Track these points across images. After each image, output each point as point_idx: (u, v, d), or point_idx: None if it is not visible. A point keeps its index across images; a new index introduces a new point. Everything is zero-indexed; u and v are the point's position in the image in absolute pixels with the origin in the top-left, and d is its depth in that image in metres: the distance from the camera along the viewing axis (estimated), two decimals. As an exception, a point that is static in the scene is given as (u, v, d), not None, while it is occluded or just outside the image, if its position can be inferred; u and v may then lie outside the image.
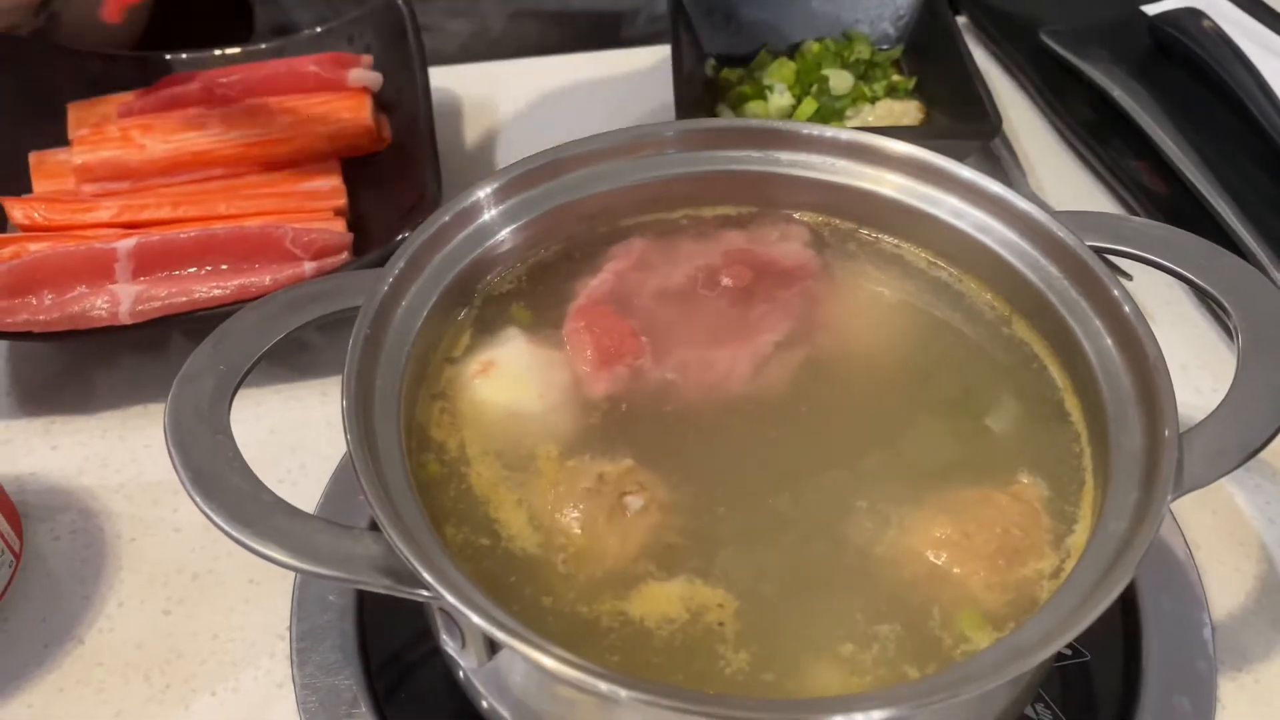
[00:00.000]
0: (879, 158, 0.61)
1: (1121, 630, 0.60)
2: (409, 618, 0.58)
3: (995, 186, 0.57)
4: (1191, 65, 0.94)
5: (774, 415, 0.55)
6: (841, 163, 0.61)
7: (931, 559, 0.48)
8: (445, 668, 0.55)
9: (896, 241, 0.62)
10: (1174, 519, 0.65)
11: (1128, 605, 0.60)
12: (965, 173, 0.58)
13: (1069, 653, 0.58)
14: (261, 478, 0.47)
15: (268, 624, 0.63)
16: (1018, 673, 0.39)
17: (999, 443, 0.53)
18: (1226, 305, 0.53)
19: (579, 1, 1.16)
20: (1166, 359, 0.49)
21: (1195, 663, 0.58)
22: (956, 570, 0.48)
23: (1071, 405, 0.54)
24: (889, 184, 0.61)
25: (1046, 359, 0.56)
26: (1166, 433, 0.46)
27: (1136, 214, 0.86)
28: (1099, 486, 0.50)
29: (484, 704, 0.53)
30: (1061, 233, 0.55)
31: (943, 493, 0.50)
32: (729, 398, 0.55)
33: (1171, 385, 0.48)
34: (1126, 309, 0.51)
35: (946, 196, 0.59)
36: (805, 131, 0.61)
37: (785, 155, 0.62)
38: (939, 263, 0.61)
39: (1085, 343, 0.53)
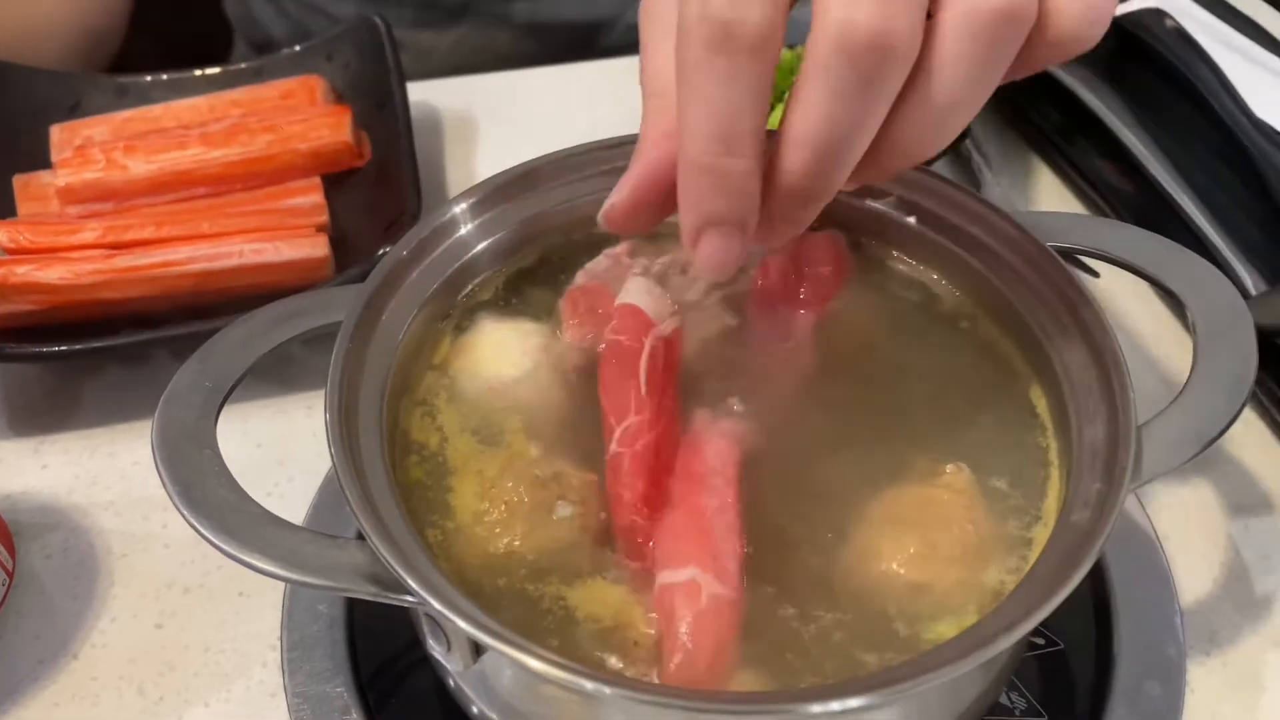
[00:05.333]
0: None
1: (1094, 619, 0.61)
2: (399, 626, 0.59)
3: (958, 189, 0.59)
4: (1157, 65, 0.95)
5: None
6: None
7: (896, 568, 0.48)
8: (436, 674, 0.56)
9: (860, 240, 0.63)
10: (1144, 510, 0.66)
11: (1100, 595, 0.62)
12: (930, 176, 0.60)
13: (1042, 642, 0.60)
14: (250, 492, 0.48)
15: (259, 635, 0.64)
16: (980, 661, 0.40)
17: (964, 442, 0.54)
18: (1183, 300, 0.54)
19: (556, 12, 1.17)
20: (1138, 353, 0.50)
21: (1166, 648, 0.60)
22: (924, 577, 0.48)
23: (1038, 401, 0.56)
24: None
25: (1013, 357, 0.58)
26: (1125, 424, 0.47)
27: (1104, 213, 0.88)
28: (1063, 479, 0.51)
29: (474, 709, 0.54)
30: (1024, 234, 0.56)
31: (903, 494, 0.51)
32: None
33: (1129, 378, 0.49)
34: (1087, 306, 0.53)
35: (911, 197, 0.61)
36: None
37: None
38: (902, 262, 0.62)
39: (1049, 340, 0.54)
